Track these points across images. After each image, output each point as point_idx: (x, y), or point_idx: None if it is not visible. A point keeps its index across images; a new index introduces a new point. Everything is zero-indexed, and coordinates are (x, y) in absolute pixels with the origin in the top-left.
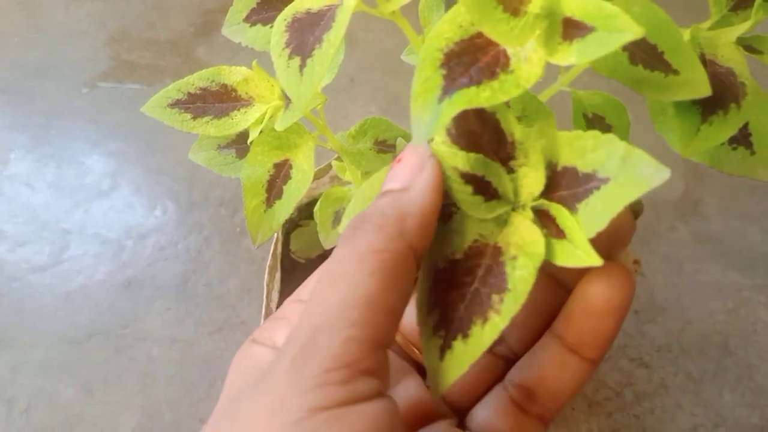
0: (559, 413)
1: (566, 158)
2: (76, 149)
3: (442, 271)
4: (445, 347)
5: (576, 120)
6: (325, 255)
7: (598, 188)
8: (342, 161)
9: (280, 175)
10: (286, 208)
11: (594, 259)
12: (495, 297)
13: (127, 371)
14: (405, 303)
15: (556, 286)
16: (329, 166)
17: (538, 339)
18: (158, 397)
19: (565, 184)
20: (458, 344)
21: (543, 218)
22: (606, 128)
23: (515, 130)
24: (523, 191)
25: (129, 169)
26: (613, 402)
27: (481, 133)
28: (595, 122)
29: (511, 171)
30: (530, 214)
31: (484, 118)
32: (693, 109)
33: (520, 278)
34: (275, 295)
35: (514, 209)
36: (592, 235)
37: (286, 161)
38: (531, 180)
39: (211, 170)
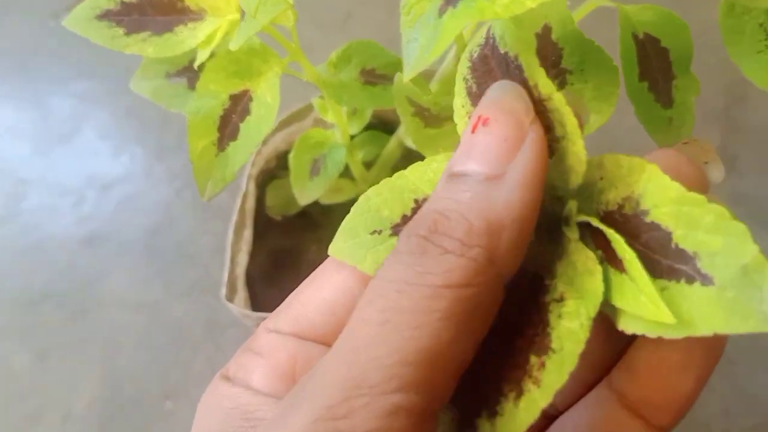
0: None
1: (650, 203)
2: (37, 89)
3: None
4: (465, 427)
5: (624, 43)
6: (306, 213)
7: (690, 281)
8: (323, 99)
9: (236, 110)
10: (242, 151)
11: (665, 315)
12: (534, 360)
13: (87, 337)
14: (474, 349)
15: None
16: (310, 107)
17: (588, 390)
18: (120, 366)
19: (638, 233)
20: (483, 423)
21: (595, 239)
22: (662, 53)
23: (541, 80)
24: (561, 178)
25: (95, 111)
26: None
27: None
28: (648, 45)
29: None
30: (576, 230)
31: (509, 72)
32: None
33: (569, 334)
34: (243, 258)
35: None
36: (650, 332)
37: (245, 93)
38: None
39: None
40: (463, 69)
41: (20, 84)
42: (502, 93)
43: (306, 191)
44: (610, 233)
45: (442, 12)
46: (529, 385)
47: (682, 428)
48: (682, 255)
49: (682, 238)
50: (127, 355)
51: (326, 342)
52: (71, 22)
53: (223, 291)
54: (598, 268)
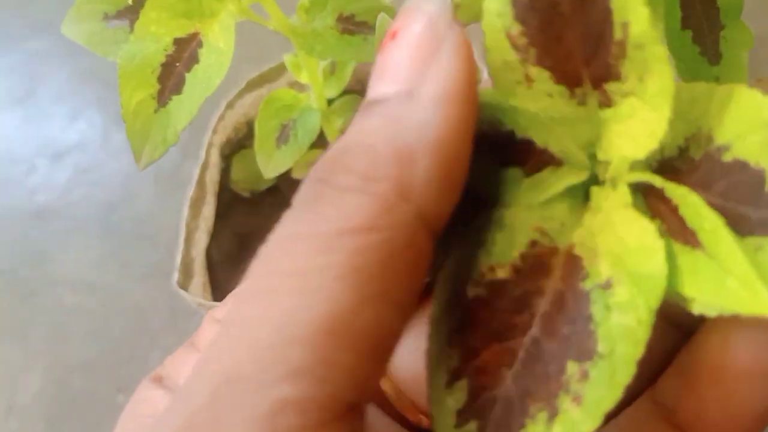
0: None
1: (730, 134)
2: None
3: (473, 302)
4: None
5: None
6: (277, 189)
7: None
8: (297, 56)
9: (182, 57)
10: (188, 107)
11: (764, 302)
12: (573, 368)
13: (33, 323)
14: (403, 323)
15: (662, 319)
16: (282, 67)
17: (628, 403)
18: (69, 356)
19: (711, 180)
20: None
21: (651, 204)
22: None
23: (637, 19)
24: (616, 148)
25: (51, 72)
26: None
27: (569, 15)
28: None
29: (605, 104)
30: (627, 193)
31: None
32: None
33: (622, 332)
34: (202, 238)
35: (597, 182)
36: (745, 310)
37: (193, 36)
38: (639, 127)
39: None
40: None
41: None
42: (414, 7)
43: (272, 162)
44: (683, 193)
45: None
46: (566, 404)
47: None
48: None
49: None
50: (77, 343)
51: None
52: None
53: (176, 276)
54: (660, 244)
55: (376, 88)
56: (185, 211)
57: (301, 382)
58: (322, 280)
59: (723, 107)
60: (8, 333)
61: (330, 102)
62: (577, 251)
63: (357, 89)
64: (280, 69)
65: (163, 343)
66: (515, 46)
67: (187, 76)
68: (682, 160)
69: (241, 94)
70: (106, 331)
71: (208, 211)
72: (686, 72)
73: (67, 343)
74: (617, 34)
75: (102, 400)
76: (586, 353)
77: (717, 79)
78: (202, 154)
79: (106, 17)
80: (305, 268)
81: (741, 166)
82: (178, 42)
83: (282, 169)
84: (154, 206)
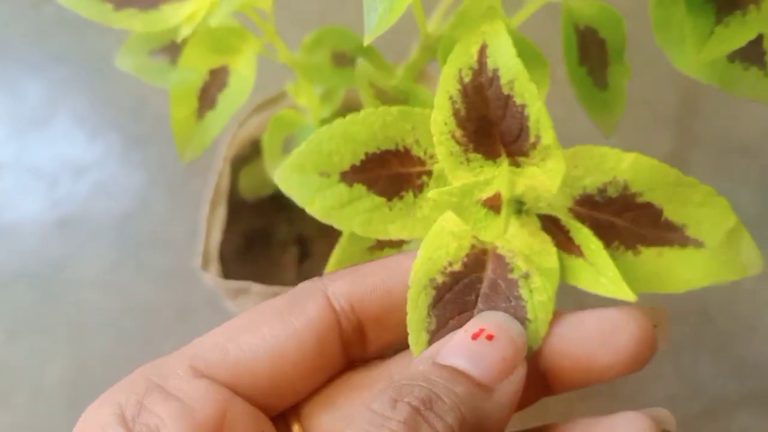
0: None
1: (643, 186)
2: (13, 74)
3: (442, 286)
4: None
5: (566, 34)
6: (277, 195)
7: (683, 246)
8: (297, 85)
9: (215, 83)
10: (219, 119)
11: (626, 293)
12: None
13: (57, 318)
14: None
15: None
16: (284, 94)
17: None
18: (89, 347)
19: (623, 211)
20: None
21: (551, 228)
22: (599, 42)
23: (546, 134)
24: (529, 193)
25: (72, 97)
26: None
27: (494, 122)
28: (587, 36)
29: (517, 165)
30: (536, 221)
31: (506, 110)
32: (706, 9)
33: (541, 305)
34: (217, 235)
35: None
36: (653, 289)
37: (223, 67)
38: (539, 186)
39: (165, 103)
40: (451, 88)
41: None
42: (506, 320)
43: (277, 167)
44: (575, 225)
45: None
46: None
47: None
48: (671, 226)
49: (672, 212)
50: (96, 336)
51: (267, 402)
52: None
53: (198, 261)
54: (554, 249)
55: (458, 360)
56: (205, 210)
57: None
58: None
59: (635, 167)
60: (34, 327)
61: (323, 121)
62: (500, 251)
63: (345, 111)
64: (280, 96)
65: (173, 337)
66: (458, 143)
67: (219, 96)
68: (601, 197)
69: (249, 116)
70: (122, 325)
71: (222, 212)
72: (582, 97)
73: (87, 336)
74: (531, 138)
75: None
76: (521, 319)
77: (605, 101)
78: (219, 164)
79: (151, 53)
80: None
81: (647, 205)
82: (212, 72)
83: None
84: (166, 217)
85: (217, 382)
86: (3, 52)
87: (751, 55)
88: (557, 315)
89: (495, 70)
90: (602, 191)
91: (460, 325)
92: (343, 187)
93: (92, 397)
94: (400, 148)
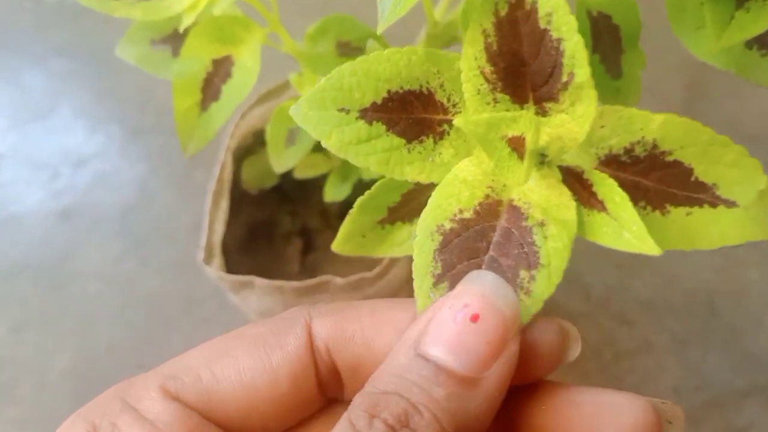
0: None
1: (674, 145)
2: (14, 66)
3: (449, 232)
4: None
5: (579, 19)
6: (280, 187)
7: (713, 205)
8: (301, 75)
9: (219, 74)
10: (224, 111)
11: (652, 247)
12: (524, 273)
13: (62, 310)
14: None
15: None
16: (287, 84)
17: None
18: (96, 338)
19: (650, 171)
20: None
21: (572, 182)
22: (613, 29)
23: (581, 71)
24: (554, 145)
25: (73, 89)
26: (591, 361)
27: (527, 60)
28: (601, 22)
29: (541, 114)
30: (557, 173)
31: (542, 47)
32: None
33: (555, 252)
34: (220, 227)
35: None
36: (681, 247)
37: (227, 58)
38: (566, 134)
39: (167, 95)
40: (485, 22)
41: None
42: (495, 291)
43: (282, 159)
44: (602, 177)
45: None
46: (520, 296)
47: None
48: (701, 186)
49: (703, 172)
50: (101, 328)
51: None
52: None
53: (201, 255)
54: (572, 203)
55: (439, 350)
56: (208, 202)
57: None
58: None
59: (665, 126)
60: (39, 319)
61: None
62: (516, 203)
63: None
64: (283, 87)
65: (178, 327)
66: (487, 80)
67: (223, 87)
68: (628, 156)
69: (251, 107)
70: (127, 317)
71: (225, 203)
72: (595, 85)
73: (92, 328)
74: (564, 77)
75: (124, 377)
76: (533, 264)
77: (618, 90)
78: (222, 156)
79: (153, 42)
80: None
81: (677, 164)
82: (215, 62)
83: (290, 165)
84: (169, 208)
85: (188, 406)
86: (4, 43)
87: None
88: (552, 387)
89: (533, 3)
90: (629, 151)
91: (467, 271)
92: (362, 124)
93: (97, 389)
94: (424, 90)
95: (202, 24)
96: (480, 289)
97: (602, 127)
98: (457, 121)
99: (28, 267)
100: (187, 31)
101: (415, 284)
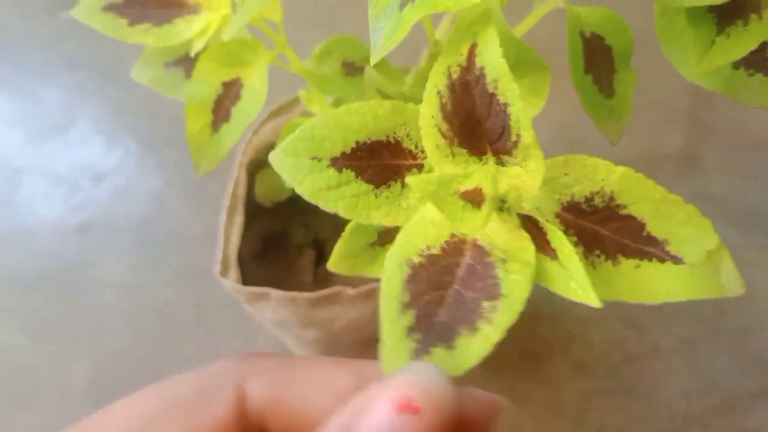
0: (541, 374)
1: (629, 199)
2: (30, 80)
3: (418, 266)
4: (422, 352)
5: (571, 40)
6: (293, 200)
7: (662, 260)
8: (309, 91)
9: (229, 96)
10: (234, 132)
11: (593, 300)
12: (486, 304)
13: (80, 320)
14: None
15: None
16: (297, 100)
17: None
18: (112, 347)
19: (607, 221)
20: (439, 352)
21: (531, 228)
22: (605, 50)
23: (526, 134)
24: (512, 193)
25: (88, 103)
26: (600, 364)
27: (480, 118)
28: (594, 43)
29: (501, 164)
30: (516, 219)
31: (490, 109)
32: (708, 19)
33: (516, 283)
34: (235, 240)
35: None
36: (628, 298)
37: (236, 80)
38: (521, 186)
39: (181, 109)
40: (440, 83)
41: (13, 75)
42: (437, 386)
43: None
44: (554, 229)
45: (403, 5)
46: (482, 325)
47: (644, 409)
48: (653, 241)
49: (655, 228)
50: (118, 336)
51: None
52: (79, 14)
53: (217, 268)
54: (532, 246)
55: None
56: (223, 217)
57: None
58: None
59: (623, 180)
60: (58, 329)
61: None
62: (480, 243)
63: None
64: (294, 102)
65: (191, 336)
66: (444, 136)
67: (233, 109)
68: (588, 205)
69: (263, 123)
70: (143, 325)
71: (239, 218)
72: (588, 105)
73: (110, 336)
74: (513, 137)
75: (140, 384)
76: (495, 295)
77: (611, 109)
78: (235, 171)
79: (166, 65)
80: None
81: (631, 217)
82: (225, 84)
83: None
84: (183, 220)
85: None
86: (20, 58)
87: (755, 61)
88: None
89: (482, 69)
90: (589, 200)
91: (435, 301)
92: (332, 172)
93: (115, 396)
94: (391, 139)
95: (212, 48)
96: (424, 380)
97: (566, 174)
98: (408, 179)
99: (46, 278)
100: (197, 55)
101: (382, 310)
